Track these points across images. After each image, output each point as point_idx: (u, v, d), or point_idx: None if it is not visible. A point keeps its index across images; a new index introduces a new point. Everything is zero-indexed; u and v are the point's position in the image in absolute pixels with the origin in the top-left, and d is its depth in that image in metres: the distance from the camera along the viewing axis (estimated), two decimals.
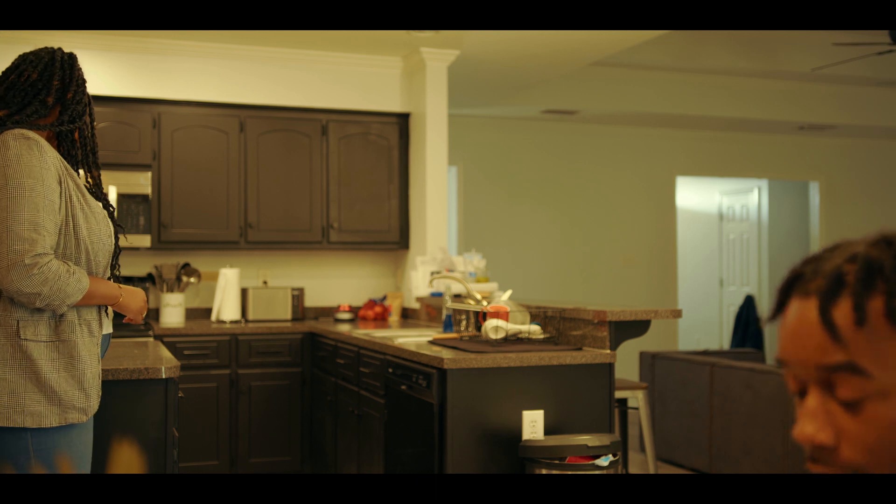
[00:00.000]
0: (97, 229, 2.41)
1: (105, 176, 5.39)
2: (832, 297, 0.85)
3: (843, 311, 0.84)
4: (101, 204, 2.51)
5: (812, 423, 0.88)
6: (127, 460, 0.76)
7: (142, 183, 5.55)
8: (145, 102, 5.67)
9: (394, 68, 6.26)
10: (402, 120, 6.21)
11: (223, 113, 5.83)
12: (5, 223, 2.23)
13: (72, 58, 2.56)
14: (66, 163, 2.42)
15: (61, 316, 2.34)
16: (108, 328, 2.57)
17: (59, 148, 2.48)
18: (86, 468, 2.42)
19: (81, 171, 2.55)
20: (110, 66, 5.65)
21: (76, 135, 2.51)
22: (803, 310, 0.87)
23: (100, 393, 2.44)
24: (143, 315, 2.61)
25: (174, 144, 5.70)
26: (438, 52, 5.94)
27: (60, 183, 2.34)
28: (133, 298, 2.54)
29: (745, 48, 7.71)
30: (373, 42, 5.81)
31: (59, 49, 2.56)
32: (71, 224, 2.36)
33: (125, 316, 2.58)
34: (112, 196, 5.42)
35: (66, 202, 2.35)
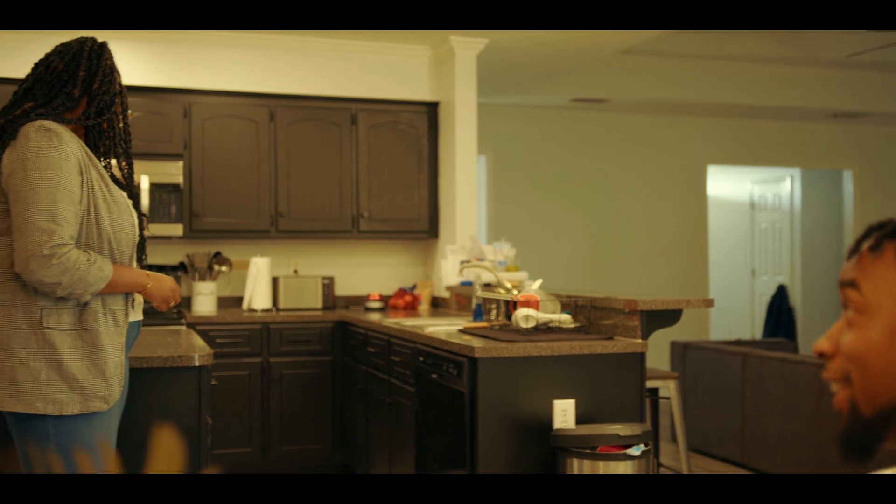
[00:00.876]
0: (120, 219, 2.42)
1: (136, 165, 5.40)
2: (873, 230, 1.02)
3: (868, 242, 1.02)
4: (125, 194, 2.52)
5: (824, 338, 1.04)
6: (168, 446, 0.76)
7: (173, 172, 5.58)
8: (176, 92, 5.70)
9: (423, 57, 6.25)
10: (432, 109, 6.20)
11: (253, 102, 5.85)
12: (24, 215, 2.26)
13: (101, 47, 2.54)
14: (89, 153, 2.43)
15: (85, 305, 2.35)
16: (136, 316, 2.59)
17: (86, 138, 2.48)
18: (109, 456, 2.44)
19: (113, 161, 2.56)
20: (141, 55, 5.69)
21: (104, 125, 2.51)
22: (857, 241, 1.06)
23: (122, 382, 2.46)
24: (172, 304, 2.60)
25: (205, 134, 5.73)
26: (467, 40, 5.92)
27: (82, 173, 2.35)
28: (160, 286, 2.55)
29: (777, 34, 7.61)
30: (402, 31, 5.80)
31: (90, 39, 2.55)
32: (93, 214, 2.37)
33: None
34: (144, 185, 5.46)
35: (88, 192, 2.36)
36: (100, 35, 2.66)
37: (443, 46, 6.04)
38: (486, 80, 6.80)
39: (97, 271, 2.32)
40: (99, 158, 2.50)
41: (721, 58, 7.97)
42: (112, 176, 2.52)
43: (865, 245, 1.01)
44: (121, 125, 2.56)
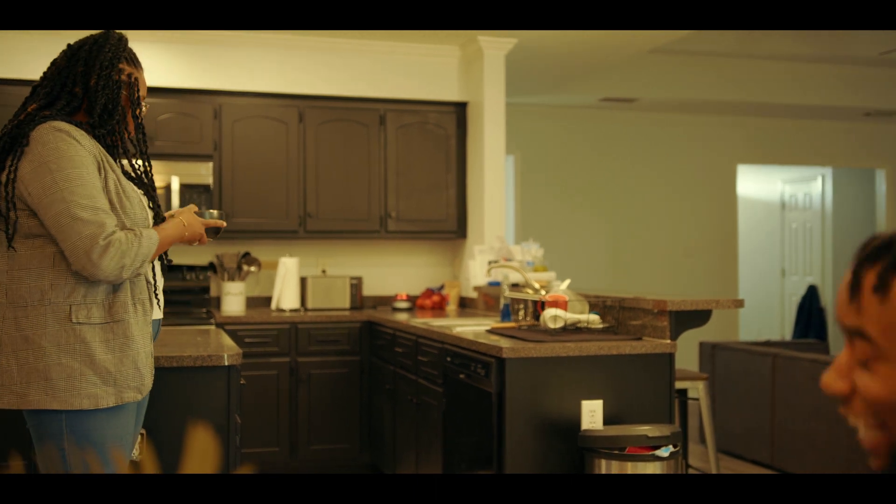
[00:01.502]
0: (133, 213, 2.40)
1: (167, 166, 5.49)
2: (868, 262, 0.89)
3: (869, 278, 0.88)
4: (140, 192, 2.50)
5: (834, 374, 0.95)
6: (202, 445, 0.77)
7: (203, 173, 5.62)
8: (206, 93, 5.74)
9: (451, 57, 6.25)
10: (460, 109, 6.21)
11: (282, 103, 5.88)
12: (68, 214, 2.24)
13: (105, 39, 2.44)
14: (102, 149, 2.39)
15: (115, 296, 2.36)
16: (157, 314, 2.60)
17: (94, 135, 2.42)
18: (128, 450, 2.44)
19: (125, 160, 2.53)
20: (172, 57, 5.73)
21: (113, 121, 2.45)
22: (847, 273, 0.93)
23: (153, 371, 2.47)
24: (195, 244, 2.61)
25: (234, 135, 5.77)
26: (496, 40, 5.92)
27: (100, 169, 2.34)
28: (193, 231, 2.55)
29: (807, 32, 7.54)
30: (431, 31, 5.81)
31: (101, 33, 2.46)
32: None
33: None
34: (174, 186, 5.50)
35: (104, 188, 2.35)
36: (129, 35, 2.56)
37: (471, 46, 6.05)
38: (515, 80, 6.79)
39: (146, 241, 2.34)
40: (110, 155, 2.45)
41: (751, 56, 7.91)
42: (126, 172, 2.50)
43: (867, 282, 0.89)
44: (126, 120, 2.48)
